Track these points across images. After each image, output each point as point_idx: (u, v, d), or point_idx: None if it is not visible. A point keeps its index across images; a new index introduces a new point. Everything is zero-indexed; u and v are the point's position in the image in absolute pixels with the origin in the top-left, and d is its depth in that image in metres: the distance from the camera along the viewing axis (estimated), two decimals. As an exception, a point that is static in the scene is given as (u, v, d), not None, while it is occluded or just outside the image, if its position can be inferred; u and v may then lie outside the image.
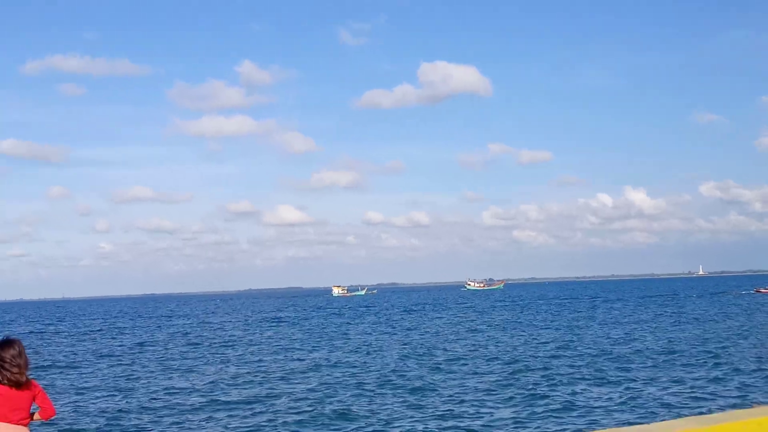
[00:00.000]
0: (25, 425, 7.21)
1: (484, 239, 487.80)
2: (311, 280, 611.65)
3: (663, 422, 7.57)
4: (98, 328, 68.50)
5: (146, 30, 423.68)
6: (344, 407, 20.21)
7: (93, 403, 22.70)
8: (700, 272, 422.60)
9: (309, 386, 24.43)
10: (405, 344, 38.91)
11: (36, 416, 7.34)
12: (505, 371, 26.34)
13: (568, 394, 21.14)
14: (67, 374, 30.78)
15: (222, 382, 26.21)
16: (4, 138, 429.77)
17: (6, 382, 7.13)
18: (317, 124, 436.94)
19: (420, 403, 20.60)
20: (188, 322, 75.46)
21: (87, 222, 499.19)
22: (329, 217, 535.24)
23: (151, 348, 42.97)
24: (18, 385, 7.12)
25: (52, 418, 7.50)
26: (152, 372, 30.25)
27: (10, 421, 7.10)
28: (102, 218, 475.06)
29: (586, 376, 24.43)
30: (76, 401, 23.26)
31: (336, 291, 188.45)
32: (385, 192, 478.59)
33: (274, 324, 64.70)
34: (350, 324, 60.50)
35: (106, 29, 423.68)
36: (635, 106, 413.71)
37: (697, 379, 23.32)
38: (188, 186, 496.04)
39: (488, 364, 28.51)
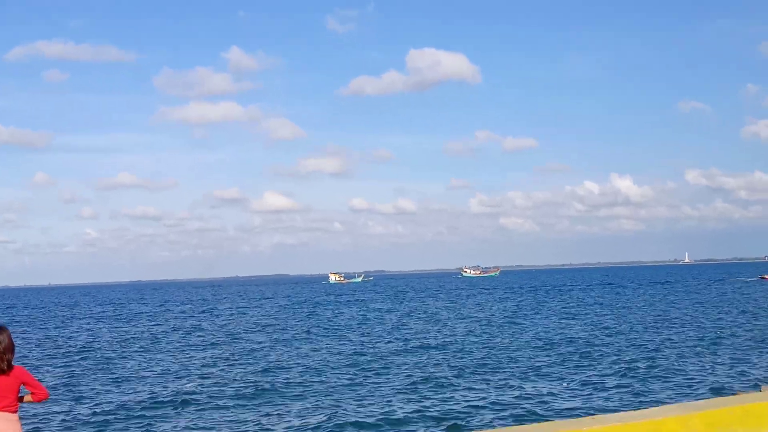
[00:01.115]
0: (12, 411, 7.31)
1: (471, 227, 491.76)
2: (297, 267, 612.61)
3: (648, 409, 7.72)
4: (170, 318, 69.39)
5: (133, 17, 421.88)
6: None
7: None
8: (686, 260, 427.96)
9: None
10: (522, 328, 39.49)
11: (27, 398, 7.49)
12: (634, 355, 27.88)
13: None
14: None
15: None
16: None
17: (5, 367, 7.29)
18: (304, 110, 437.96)
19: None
20: (227, 308, 76.23)
21: (72, 209, 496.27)
22: (315, 204, 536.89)
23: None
24: (1, 371, 7.29)
25: (45, 400, 7.62)
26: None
27: None
28: (87, 205, 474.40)
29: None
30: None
31: (333, 278, 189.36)
32: (372, 179, 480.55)
33: (316, 310, 63.93)
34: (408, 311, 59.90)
35: (92, 16, 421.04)
36: (621, 94, 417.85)
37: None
38: (174, 173, 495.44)
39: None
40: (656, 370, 22.93)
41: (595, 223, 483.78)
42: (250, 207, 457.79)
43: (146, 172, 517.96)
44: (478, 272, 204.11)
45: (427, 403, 19.06)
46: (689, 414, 6.86)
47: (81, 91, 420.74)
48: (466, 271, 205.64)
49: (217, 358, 30.40)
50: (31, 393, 7.44)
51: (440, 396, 19.96)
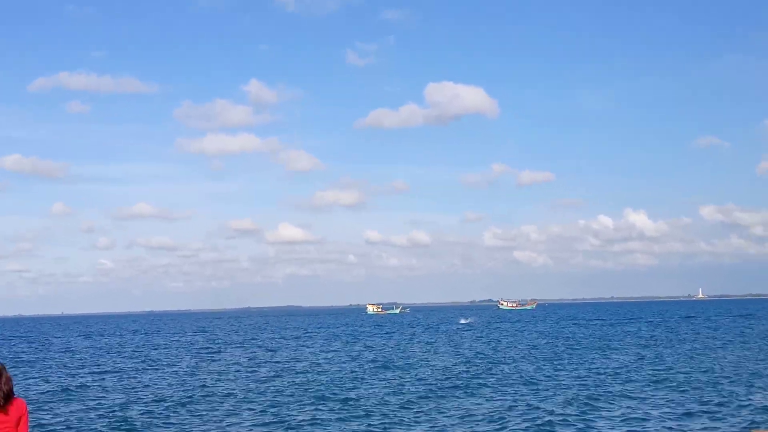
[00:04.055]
0: None
1: (485, 260, 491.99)
2: (310, 299, 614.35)
3: None
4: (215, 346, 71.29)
5: (155, 49, 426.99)
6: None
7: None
8: (700, 295, 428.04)
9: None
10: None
11: None
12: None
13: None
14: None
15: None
16: (9, 153, 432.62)
17: None
18: (322, 142, 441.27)
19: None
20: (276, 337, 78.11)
21: (88, 239, 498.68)
22: (330, 235, 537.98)
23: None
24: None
25: None
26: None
27: None
28: (103, 235, 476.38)
29: None
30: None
31: (371, 309, 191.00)
32: (387, 211, 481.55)
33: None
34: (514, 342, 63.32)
35: (114, 48, 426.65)
36: (637, 129, 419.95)
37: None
38: (191, 203, 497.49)
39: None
40: None
41: (609, 258, 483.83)
42: (264, 238, 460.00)
43: (163, 203, 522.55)
44: (515, 305, 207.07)
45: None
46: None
47: (101, 122, 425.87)
48: (502, 304, 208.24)
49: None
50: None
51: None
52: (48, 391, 31.69)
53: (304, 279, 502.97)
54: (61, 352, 61.39)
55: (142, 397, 29.18)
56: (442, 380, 32.19)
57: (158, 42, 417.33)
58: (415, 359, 43.83)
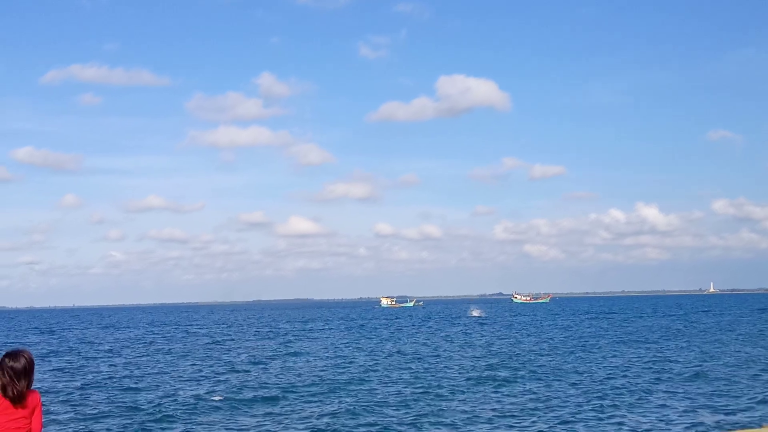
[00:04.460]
0: None
1: (495, 253, 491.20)
2: (320, 292, 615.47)
3: None
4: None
5: (167, 41, 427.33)
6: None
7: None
8: (711, 289, 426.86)
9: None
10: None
11: None
12: None
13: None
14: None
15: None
16: (22, 146, 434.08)
17: (10, 394, 6.93)
18: (333, 135, 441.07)
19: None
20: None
21: (99, 230, 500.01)
22: (341, 229, 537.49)
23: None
24: (18, 399, 6.95)
25: None
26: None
27: None
28: (114, 227, 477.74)
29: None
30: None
31: (385, 302, 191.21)
32: (398, 204, 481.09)
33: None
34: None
35: (126, 40, 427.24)
36: (649, 123, 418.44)
37: None
38: (201, 196, 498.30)
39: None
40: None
41: (620, 252, 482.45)
42: (275, 231, 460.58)
43: (174, 195, 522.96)
44: (528, 298, 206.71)
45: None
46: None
47: (113, 114, 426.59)
48: (516, 297, 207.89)
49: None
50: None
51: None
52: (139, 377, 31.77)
53: (315, 272, 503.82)
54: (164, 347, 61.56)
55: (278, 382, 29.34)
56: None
57: (170, 34, 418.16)
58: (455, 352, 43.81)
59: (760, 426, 18.53)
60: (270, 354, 44.91)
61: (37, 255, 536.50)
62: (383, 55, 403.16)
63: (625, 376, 29.86)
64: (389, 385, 28.76)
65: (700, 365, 33.43)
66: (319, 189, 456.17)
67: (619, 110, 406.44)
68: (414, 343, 52.52)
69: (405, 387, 27.94)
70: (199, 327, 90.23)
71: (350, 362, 38.26)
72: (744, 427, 18.37)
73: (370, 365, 36.32)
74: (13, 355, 6.98)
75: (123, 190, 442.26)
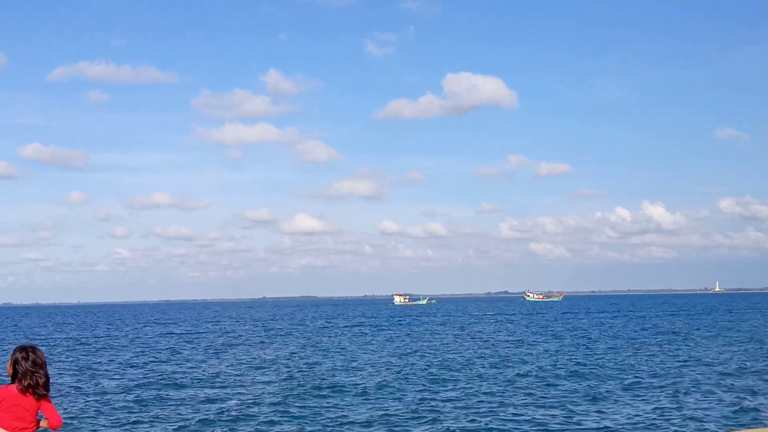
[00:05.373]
0: None
1: (500, 251, 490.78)
2: (325, 290, 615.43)
3: None
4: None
5: (175, 38, 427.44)
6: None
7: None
8: (717, 288, 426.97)
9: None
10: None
11: (42, 424, 7.26)
12: None
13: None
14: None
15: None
16: (29, 142, 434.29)
17: (27, 386, 7.11)
18: (340, 133, 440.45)
19: None
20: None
21: (105, 227, 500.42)
22: (346, 226, 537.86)
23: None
24: (34, 393, 7.13)
25: (58, 429, 7.32)
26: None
27: (13, 430, 7.07)
28: (120, 224, 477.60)
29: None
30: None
31: (398, 300, 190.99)
32: (403, 202, 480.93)
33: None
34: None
35: (134, 37, 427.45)
36: (655, 121, 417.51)
37: None
38: (207, 193, 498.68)
39: None
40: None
41: (625, 250, 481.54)
42: (281, 228, 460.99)
43: (180, 192, 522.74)
44: (541, 297, 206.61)
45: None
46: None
47: (120, 111, 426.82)
48: (529, 296, 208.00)
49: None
50: (47, 419, 7.28)
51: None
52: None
53: (320, 269, 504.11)
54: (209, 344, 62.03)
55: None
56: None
57: (177, 32, 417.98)
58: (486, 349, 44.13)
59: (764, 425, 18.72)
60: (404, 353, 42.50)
61: (43, 251, 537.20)
62: (390, 53, 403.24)
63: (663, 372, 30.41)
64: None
65: None
66: (325, 186, 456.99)
67: (625, 108, 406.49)
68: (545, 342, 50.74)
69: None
70: (274, 322, 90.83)
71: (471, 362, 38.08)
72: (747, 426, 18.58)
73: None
74: (31, 347, 7.32)
75: (129, 187, 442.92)
